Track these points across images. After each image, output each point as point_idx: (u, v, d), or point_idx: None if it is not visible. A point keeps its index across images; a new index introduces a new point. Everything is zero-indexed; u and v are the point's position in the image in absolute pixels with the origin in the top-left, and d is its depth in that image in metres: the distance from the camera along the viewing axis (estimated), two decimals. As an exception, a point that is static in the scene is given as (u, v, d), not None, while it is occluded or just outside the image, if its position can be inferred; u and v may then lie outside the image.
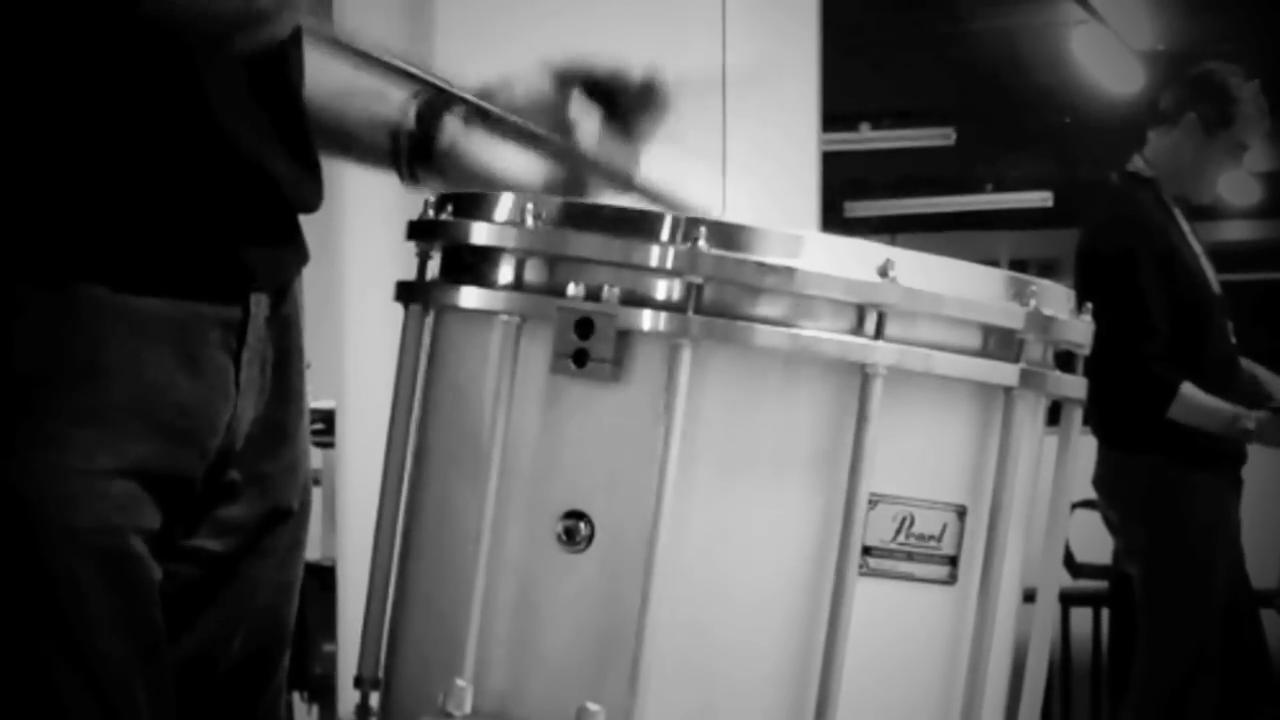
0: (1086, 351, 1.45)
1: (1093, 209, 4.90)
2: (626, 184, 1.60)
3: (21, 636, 1.38)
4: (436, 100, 1.66)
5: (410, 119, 1.67)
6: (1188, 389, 4.45)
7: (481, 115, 1.60)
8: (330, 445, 3.90)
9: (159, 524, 1.44)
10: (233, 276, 1.48)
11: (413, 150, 1.67)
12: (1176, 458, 4.50)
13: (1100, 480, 4.67)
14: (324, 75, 1.58)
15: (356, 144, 1.66)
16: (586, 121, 1.59)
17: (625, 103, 1.60)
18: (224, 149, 1.45)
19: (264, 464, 1.54)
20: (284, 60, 1.52)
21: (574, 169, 1.62)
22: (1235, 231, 12.63)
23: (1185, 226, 4.67)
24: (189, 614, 1.50)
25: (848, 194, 12.06)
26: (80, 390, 1.39)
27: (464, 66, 1.66)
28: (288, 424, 1.57)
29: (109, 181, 1.40)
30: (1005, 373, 1.38)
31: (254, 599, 1.55)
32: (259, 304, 1.51)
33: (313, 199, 1.56)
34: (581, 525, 1.33)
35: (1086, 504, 4.69)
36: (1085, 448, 1.66)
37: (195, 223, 1.44)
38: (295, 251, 1.57)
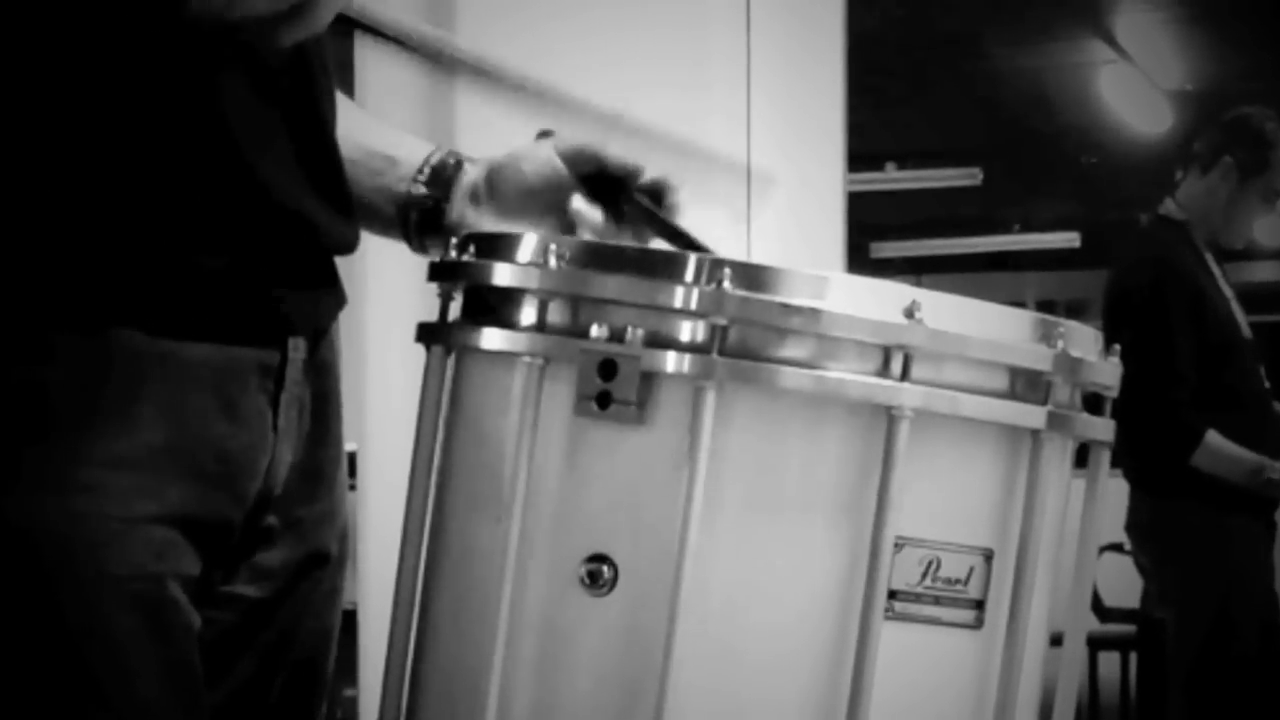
0: (1114, 393, 1.44)
1: (1122, 251, 4.90)
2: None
3: (60, 686, 1.37)
4: (444, 177, 1.66)
5: (418, 195, 1.66)
6: (1213, 437, 4.44)
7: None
8: (352, 488, 3.90)
9: (198, 570, 1.43)
10: (270, 320, 1.48)
11: (421, 221, 1.66)
12: (1209, 502, 4.49)
13: (1133, 525, 4.66)
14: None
15: (364, 213, 1.66)
16: (590, 214, 1.59)
17: (635, 195, 1.60)
18: (256, 192, 1.44)
19: (302, 509, 1.53)
20: (316, 101, 1.52)
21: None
22: (1265, 273, 12.62)
23: (1216, 270, 4.67)
24: (227, 660, 1.49)
25: (874, 234, 12.08)
26: (117, 436, 1.38)
27: (485, 137, 1.66)
28: (325, 469, 1.56)
29: (142, 226, 1.40)
30: (1032, 415, 1.36)
31: (292, 645, 1.55)
32: (297, 348, 1.50)
33: (349, 241, 1.56)
34: (605, 568, 1.32)
35: (1114, 547, 4.68)
36: (1113, 491, 1.65)
37: (231, 266, 1.44)
38: (332, 294, 1.56)
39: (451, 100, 3.40)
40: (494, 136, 1.66)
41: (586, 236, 1.60)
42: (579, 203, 1.59)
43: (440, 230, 1.65)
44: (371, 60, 3.42)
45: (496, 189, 1.64)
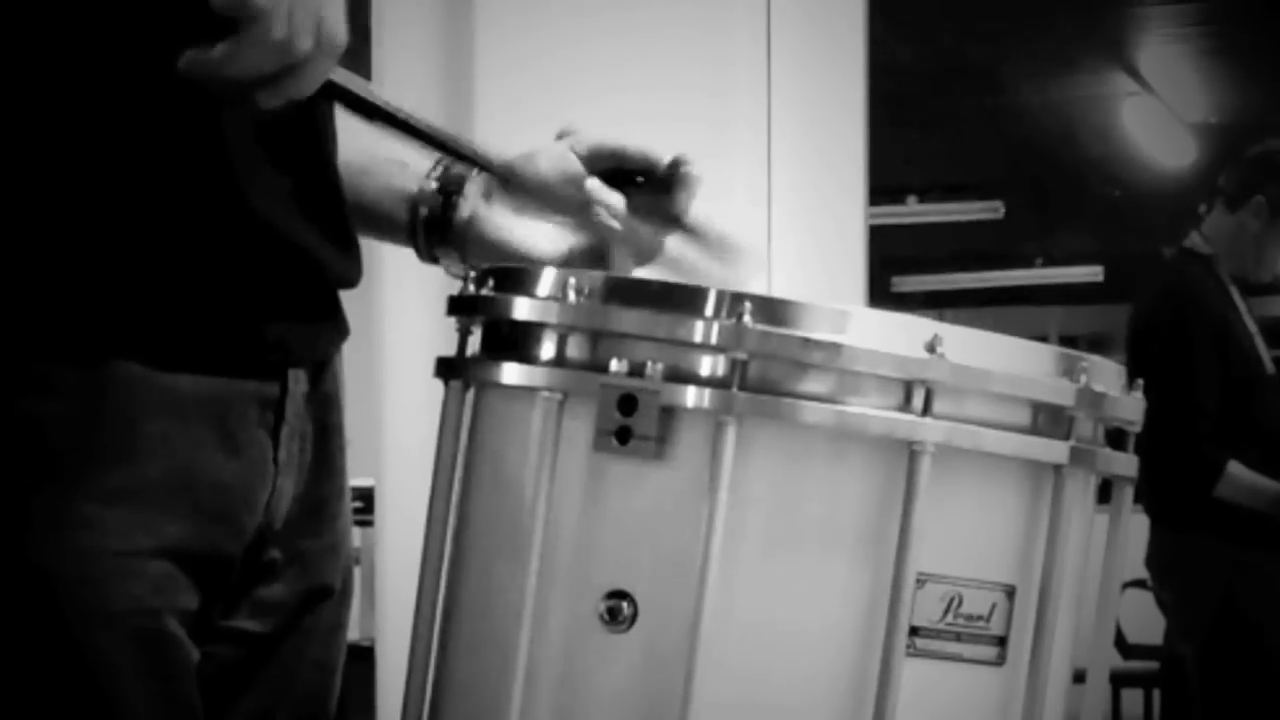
0: (1138, 428, 1.44)
1: (1147, 284, 4.89)
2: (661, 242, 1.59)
3: None
4: (455, 174, 1.65)
5: (429, 193, 1.65)
6: (1234, 467, 4.43)
7: (506, 181, 1.58)
8: (369, 523, 3.89)
9: (197, 605, 1.42)
10: (269, 353, 1.47)
11: (431, 224, 1.66)
12: (1230, 537, 4.48)
13: (1153, 560, 4.64)
14: (342, 151, 1.57)
15: (374, 219, 1.65)
16: (609, 197, 1.58)
17: (652, 187, 1.59)
18: (255, 225, 1.44)
19: (304, 542, 1.52)
20: (318, 136, 1.52)
21: (599, 238, 1.61)
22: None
23: (1241, 305, 4.66)
24: (229, 696, 1.48)
25: (895, 268, 12.07)
26: (115, 469, 1.38)
27: (502, 140, 1.65)
28: (329, 502, 1.56)
29: (140, 258, 1.39)
30: (1055, 450, 1.36)
31: (295, 680, 1.54)
32: (297, 380, 1.49)
33: (351, 275, 1.55)
34: (624, 605, 1.32)
35: (1138, 583, 4.67)
36: (1136, 526, 1.64)
37: (229, 299, 1.43)
38: (334, 327, 1.56)
39: (470, 84, 3.41)
40: (512, 122, 1.65)
41: (606, 219, 1.59)
42: (596, 184, 1.58)
43: (450, 232, 1.65)
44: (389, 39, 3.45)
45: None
